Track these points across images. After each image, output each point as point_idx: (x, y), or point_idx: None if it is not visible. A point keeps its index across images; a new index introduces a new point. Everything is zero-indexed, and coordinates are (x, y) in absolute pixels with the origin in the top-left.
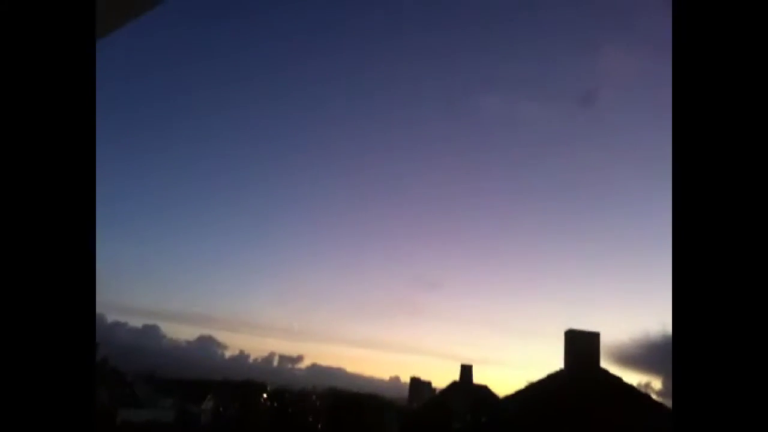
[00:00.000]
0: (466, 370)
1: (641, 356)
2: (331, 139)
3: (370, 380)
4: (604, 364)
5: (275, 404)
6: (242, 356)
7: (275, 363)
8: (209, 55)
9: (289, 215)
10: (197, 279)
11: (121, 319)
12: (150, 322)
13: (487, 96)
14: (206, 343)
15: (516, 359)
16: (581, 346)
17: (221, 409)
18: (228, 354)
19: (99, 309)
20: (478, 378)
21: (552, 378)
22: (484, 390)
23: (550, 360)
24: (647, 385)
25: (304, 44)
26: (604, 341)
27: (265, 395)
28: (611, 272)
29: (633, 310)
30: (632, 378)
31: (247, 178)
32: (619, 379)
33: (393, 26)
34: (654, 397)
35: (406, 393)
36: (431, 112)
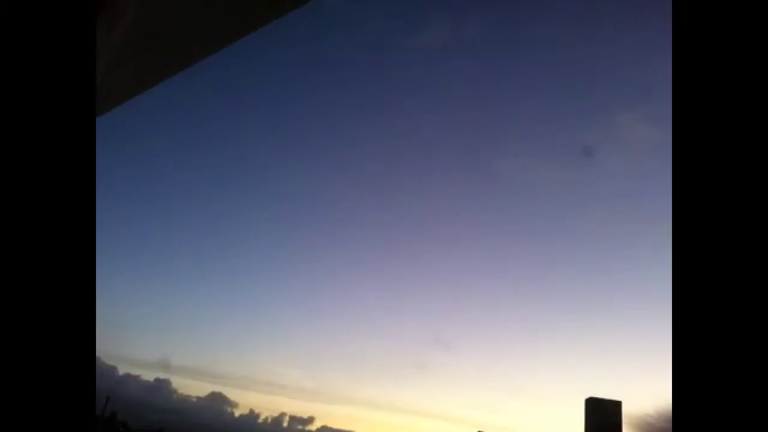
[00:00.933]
0: None
1: (665, 427)
2: (346, 197)
3: None
4: None
5: None
6: (252, 416)
7: (285, 424)
8: (215, 126)
9: (304, 273)
10: (211, 335)
11: (134, 371)
12: (162, 376)
13: (501, 157)
14: (217, 400)
15: (534, 426)
16: (602, 415)
17: None
18: (238, 413)
19: (112, 362)
20: None
21: None
22: None
23: (569, 428)
24: None
25: (321, 108)
26: (627, 411)
27: None
28: (635, 338)
29: (658, 379)
30: None
31: (261, 238)
32: None
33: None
34: None
35: None
36: (446, 171)
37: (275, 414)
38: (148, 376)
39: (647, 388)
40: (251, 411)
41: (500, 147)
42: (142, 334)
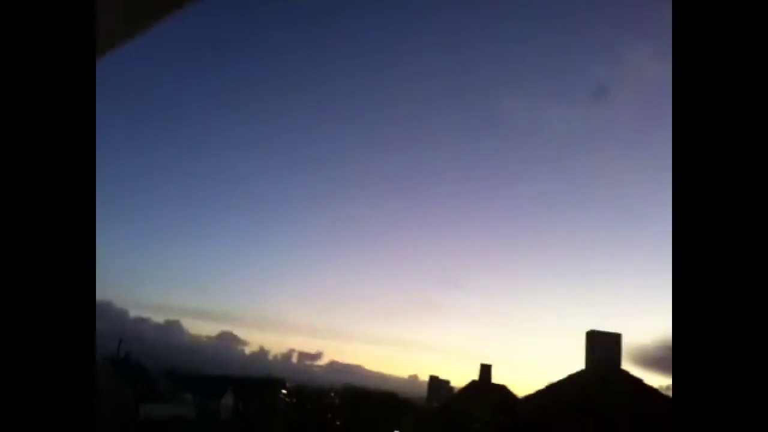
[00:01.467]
0: (486, 370)
1: (663, 358)
2: (354, 139)
3: (389, 378)
4: (626, 365)
5: (294, 400)
6: (262, 353)
7: (294, 360)
8: (225, 56)
9: (311, 215)
10: (220, 277)
11: (145, 314)
12: (173, 317)
13: (507, 97)
14: (227, 339)
15: (537, 359)
16: (603, 347)
17: (240, 405)
18: (248, 350)
19: (122, 305)
20: (497, 378)
21: (572, 379)
22: (503, 390)
23: (571, 361)
24: (668, 387)
25: (321, 39)
26: (626, 342)
27: (284, 391)
28: (634, 272)
29: (655, 311)
30: (654, 380)
31: (270, 179)
32: (640, 381)
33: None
34: None
35: (424, 391)
36: (452, 112)
37: (285, 350)
38: (159, 318)
39: (645, 321)
40: (261, 348)
41: (505, 86)
42: (151, 277)
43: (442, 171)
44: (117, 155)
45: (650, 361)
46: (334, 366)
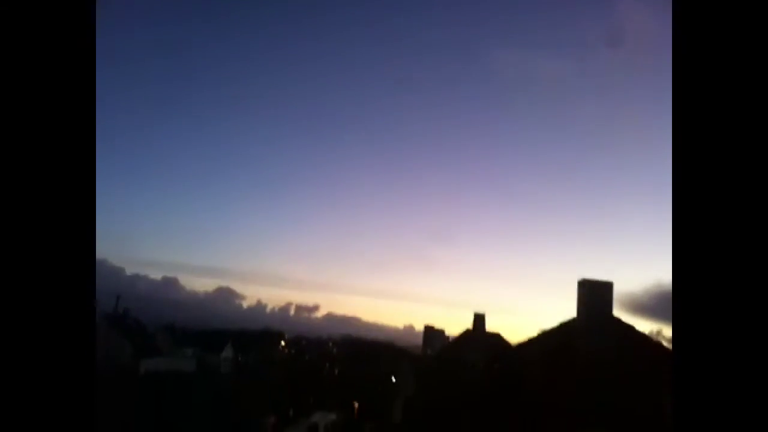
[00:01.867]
0: (479, 319)
1: (653, 305)
2: (349, 93)
3: (385, 328)
4: (617, 313)
5: (293, 351)
6: (260, 306)
7: (292, 312)
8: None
9: (307, 169)
10: (215, 233)
11: (141, 272)
12: (169, 274)
13: (499, 48)
14: (224, 294)
15: (529, 309)
16: (594, 295)
17: (240, 357)
18: (246, 304)
19: (119, 263)
20: (491, 326)
21: (565, 326)
22: (496, 338)
23: (564, 310)
24: (659, 333)
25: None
26: (617, 290)
27: (283, 343)
28: (624, 222)
29: (645, 260)
30: (644, 326)
31: (265, 135)
32: (631, 328)
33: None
34: (665, 344)
35: (420, 341)
36: (446, 63)
37: (282, 304)
38: (156, 274)
39: (636, 269)
40: (258, 302)
41: (497, 38)
42: (147, 234)
43: (435, 125)
44: (112, 112)
45: (640, 308)
46: (331, 318)
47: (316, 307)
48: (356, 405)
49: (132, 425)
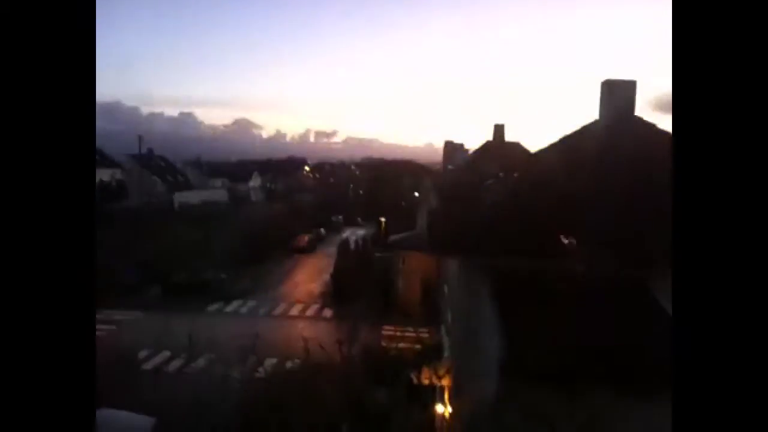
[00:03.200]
0: (499, 129)
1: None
2: None
3: (405, 148)
4: (643, 113)
5: (317, 176)
6: (279, 135)
7: (312, 139)
8: None
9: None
10: (227, 62)
11: (156, 109)
12: (185, 110)
13: None
14: (243, 125)
15: (551, 116)
16: (618, 95)
17: (269, 185)
18: (265, 134)
19: (132, 102)
20: (511, 136)
21: (586, 129)
22: (517, 147)
23: (588, 109)
24: None
25: None
26: (643, 90)
27: (306, 169)
28: (648, 18)
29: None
30: (668, 124)
31: None
32: (653, 126)
33: None
34: None
35: (440, 157)
36: None
37: (301, 131)
38: (172, 111)
39: (663, 69)
40: (278, 131)
41: None
42: (158, 70)
43: None
44: None
45: (666, 106)
46: (350, 141)
47: (335, 132)
48: (383, 220)
49: (177, 258)
